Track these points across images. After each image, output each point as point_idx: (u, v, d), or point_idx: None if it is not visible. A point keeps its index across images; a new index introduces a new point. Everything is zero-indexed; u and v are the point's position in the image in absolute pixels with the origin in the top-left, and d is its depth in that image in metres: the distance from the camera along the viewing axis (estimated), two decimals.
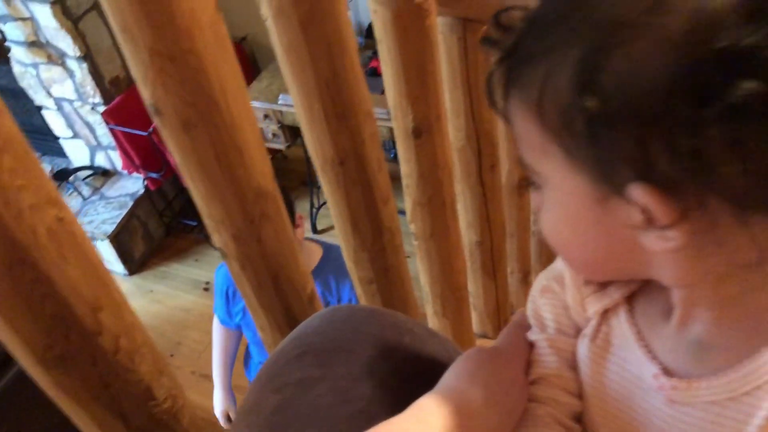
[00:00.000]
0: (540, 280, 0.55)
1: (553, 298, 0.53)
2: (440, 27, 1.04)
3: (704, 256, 0.37)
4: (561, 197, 0.41)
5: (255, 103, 2.54)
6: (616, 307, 0.49)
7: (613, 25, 0.34)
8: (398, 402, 0.53)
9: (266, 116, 2.60)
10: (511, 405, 0.52)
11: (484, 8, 0.98)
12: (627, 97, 0.34)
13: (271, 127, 2.65)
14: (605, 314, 0.49)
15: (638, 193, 0.35)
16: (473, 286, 1.40)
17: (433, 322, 1.24)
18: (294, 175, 3.10)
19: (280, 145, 2.74)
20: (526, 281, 1.58)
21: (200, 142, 0.60)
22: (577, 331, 0.52)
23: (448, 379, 0.53)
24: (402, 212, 1.07)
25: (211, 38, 0.57)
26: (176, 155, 0.62)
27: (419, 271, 1.17)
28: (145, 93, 0.58)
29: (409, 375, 0.63)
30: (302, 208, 2.97)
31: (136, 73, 0.56)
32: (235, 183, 0.63)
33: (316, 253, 1.60)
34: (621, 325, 0.48)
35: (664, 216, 0.36)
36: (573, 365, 0.52)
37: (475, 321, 1.47)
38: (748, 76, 0.31)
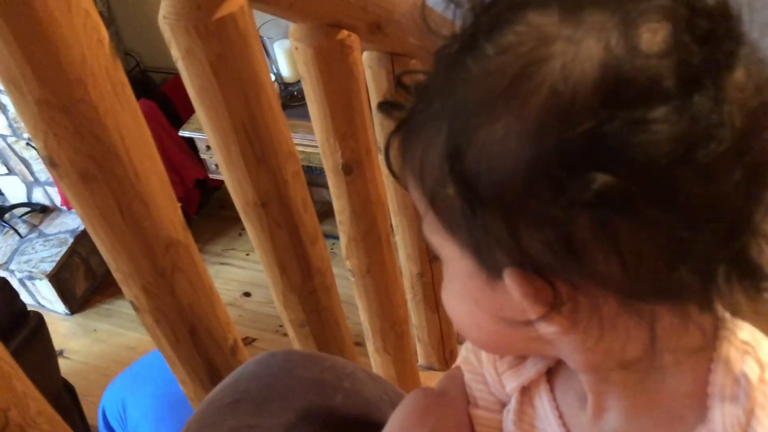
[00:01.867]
0: (462, 350, 0.53)
1: (473, 372, 0.51)
2: (368, 61, 1.02)
3: (595, 340, 0.35)
4: (453, 274, 0.39)
5: (196, 134, 2.49)
6: (537, 384, 0.46)
7: (471, 108, 0.32)
8: None
9: (209, 147, 2.55)
10: None
11: (409, 43, 0.97)
12: (489, 184, 0.32)
13: (215, 159, 2.60)
14: (526, 392, 0.47)
15: (510, 278, 0.33)
16: (416, 318, 1.38)
17: (374, 358, 1.21)
18: (230, 206, 3.05)
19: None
20: None
21: (101, 194, 0.57)
22: (502, 406, 0.50)
23: (394, 426, 0.51)
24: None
25: (106, 86, 0.54)
26: (76, 208, 0.58)
27: (358, 307, 1.15)
28: (37, 144, 0.54)
29: (350, 420, 0.60)
30: (248, 239, 2.92)
31: (26, 123, 0.53)
32: (141, 235, 0.60)
33: None
34: (544, 407, 0.46)
35: (535, 308, 0.34)
36: None
37: (420, 353, 1.45)
38: (601, 168, 0.29)
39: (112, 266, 0.63)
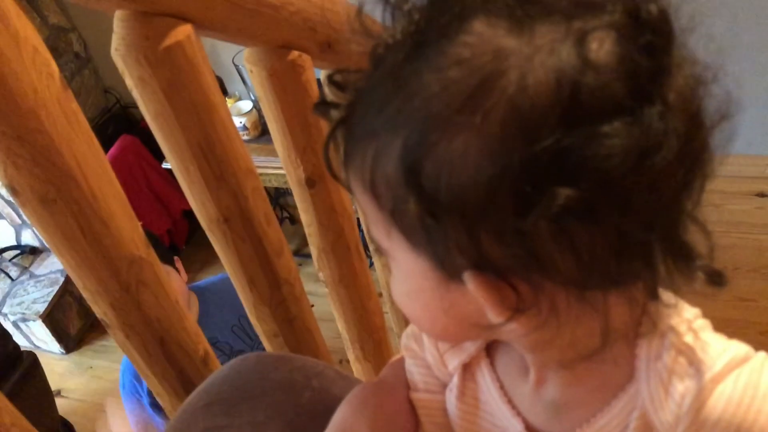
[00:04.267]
0: (403, 338, 0.56)
1: (414, 357, 0.54)
2: (326, 79, 1.07)
3: (548, 330, 0.37)
4: (406, 274, 0.40)
5: None
6: (478, 360, 0.49)
7: (429, 121, 0.32)
8: None
9: None
10: None
11: (363, 60, 1.01)
12: (449, 197, 0.32)
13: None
14: (468, 368, 0.50)
15: (473, 284, 0.35)
16: (396, 326, 1.41)
17: (356, 367, 1.24)
18: None
19: None
20: None
21: (61, 216, 0.61)
22: (444, 387, 0.53)
23: (334, 423, 0.54)
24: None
25: (59, 116, 0.58)
26: (40, 232, 0.62)
27: (335, 318, 1.18)
28: None
29: (317, 417, 0.63)
30: None
31: None
32: (104, 253, 0.64)
33: (193, 304, 1.52)
34: (485, 380, 0.49)
35: (500, 311, 0.35)
36: (443, 422, 0.53)
37: None
38: (563, 182, 0.30)
39: (79, 285, 0.66)
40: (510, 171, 0.31)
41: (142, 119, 2.52)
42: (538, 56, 0.31)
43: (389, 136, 0.34)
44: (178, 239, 2.93)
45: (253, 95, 2.36)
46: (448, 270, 0.36)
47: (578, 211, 0.30)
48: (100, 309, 0.68)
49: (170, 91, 0.71)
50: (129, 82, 0.72)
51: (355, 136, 0.37)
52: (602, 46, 0.31)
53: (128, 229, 0.65)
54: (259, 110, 2.38)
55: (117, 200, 0.64)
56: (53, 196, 0.59)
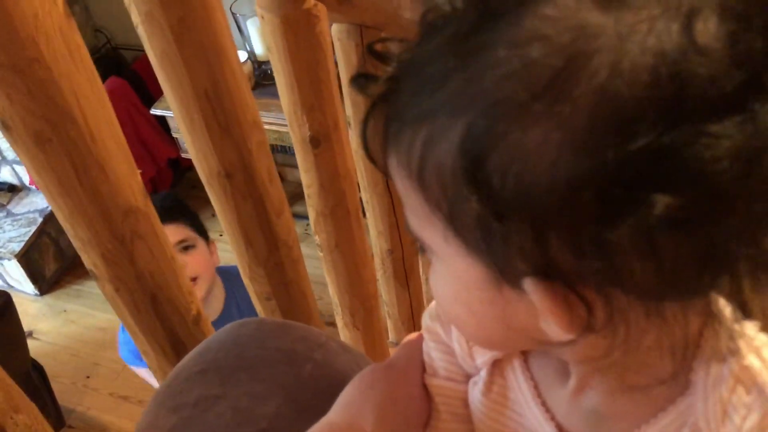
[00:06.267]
0: (425, 317, 0.51)
1: (438, 342, 0.50)
2: (337, 33, 1.01)
3: (607, 342, 0.33)
4: (451, 273, 0.35)
5: (168, 113, 2.46)
6: (510, 357, 0.45)
7: (501, 106, 0.28)
8: (304, 419, 0.50)
9: None
10: (407, 424, 0.49)
11: (378, 15, 0.96)
12: (517, 195, 0.28)
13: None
14: (497, 364, 0.46)
15: (535, 293, 0.30)
16: (387, 294, 1.38)
17: (344, 333, 1.21)
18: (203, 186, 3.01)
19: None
20: None
21: (56, 157, 0.56)
22: (467, 377, 0.49)
23: (339, 404, 0.51)
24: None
25: (60, 46, 0.53)
26: (32, 173, 0.57)
27: (327, 282, 1.15)
28: None
29: (318, 391, 0.60)
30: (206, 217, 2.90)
31: None
32: (99, 200, 0.59)
33: (218, 287, 1.48)
34: (517, 379, 0.45)
35: (567, 330, 0.31)
36: (463, 413, 0.50)
37: (391, 329, 1.45)
38: (663, 188, 0.26)
39: (70, 233, 0.62)
40: (597, 172, 0.26)
41: (132, 62, 2.43)
42: (636, 36, 0.26)
43: (447, 119, 0.29)
44: (162, 188, 2.86)
45: (249, 46, 2.28)
46: (505, 275, 0.32)
47: (674, 221, 0.26)
48: (90, 259, 0.64)
49: (180, 29, 0.65)
50: (135, 17, 0.66)
51: (402, 116, 0.32)
52: (708, 26, 0.26)
53: (126, 176, 0.61)
54: (254, 62, 2.30)
55: (116, 144, 0.59)
56: (48, 134, 0.55)
